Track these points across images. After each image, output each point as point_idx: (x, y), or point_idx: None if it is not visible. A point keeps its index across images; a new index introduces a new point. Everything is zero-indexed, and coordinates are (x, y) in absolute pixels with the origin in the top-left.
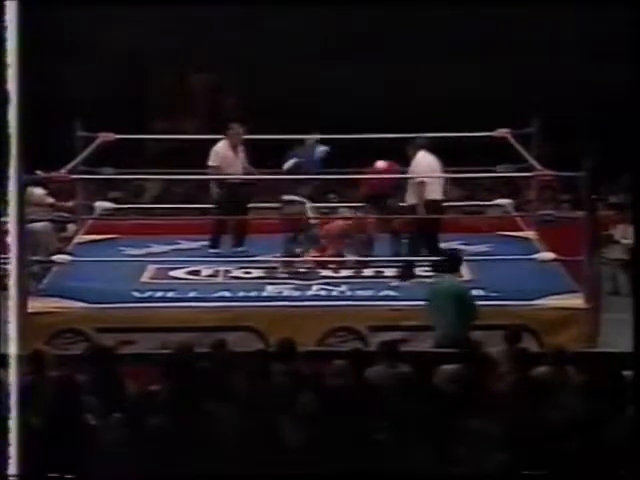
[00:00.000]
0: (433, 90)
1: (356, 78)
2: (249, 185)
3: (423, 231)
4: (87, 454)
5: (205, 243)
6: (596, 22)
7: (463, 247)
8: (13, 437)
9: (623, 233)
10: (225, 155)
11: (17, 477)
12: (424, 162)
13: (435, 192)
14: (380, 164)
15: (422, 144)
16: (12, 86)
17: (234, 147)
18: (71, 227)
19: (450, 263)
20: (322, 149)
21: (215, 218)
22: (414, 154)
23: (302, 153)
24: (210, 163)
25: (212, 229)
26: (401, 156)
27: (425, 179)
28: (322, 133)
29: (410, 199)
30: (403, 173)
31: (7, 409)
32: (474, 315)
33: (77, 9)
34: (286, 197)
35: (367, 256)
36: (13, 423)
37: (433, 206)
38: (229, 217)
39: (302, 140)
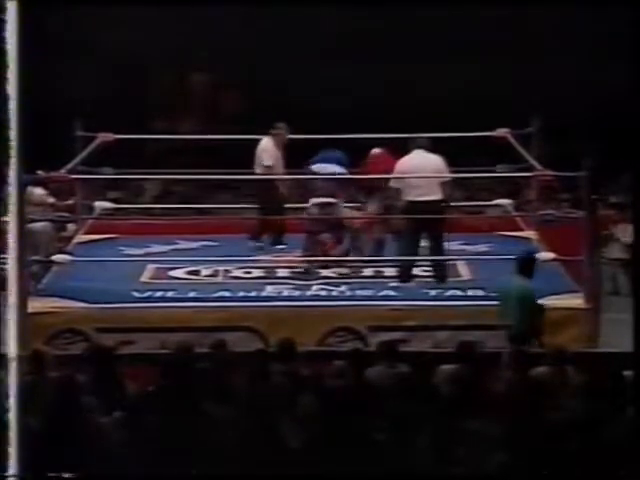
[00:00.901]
0: (433, 90)
1: (356, 78)
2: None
3: (410, 232)
4: (87, 454)
5: (205, 243)
6: (596, 22)
7: (463, 247)
8: (13, 437)
9: (623, 233)
10: (274, 154)
11: (17, 477)
12: (407, 162)
13: (420, 193)
14: (376, 151)
15: (420, 144)
16: (12, 86)
17: (278, 146)
18: (71, 227)
19: (523, 265)
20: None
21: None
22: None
23: (329, 156)
24: (265, 163)
25: (261, 227)
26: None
27: (409, 180)
28: (322, 133)
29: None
30: None
31: (7, 409)
32: (542, 315)
33: (77, 9)
34: (319, 200)
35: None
36: (13, 423)
37: (417, 207)
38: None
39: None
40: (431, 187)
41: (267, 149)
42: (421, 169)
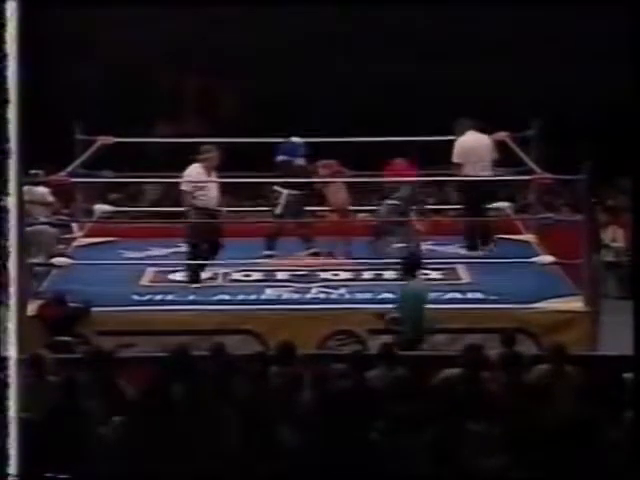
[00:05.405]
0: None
1: (355, 78)
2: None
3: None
4: (86, 456)
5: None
6: (596, 23)
7: (461, 250)
8: (13, 437)
9: (612, 237)
10: (197, 178)
11: (17, 477)
12: (468, 140)
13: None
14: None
15: (471, 125)
16: (12, 86)
17: (209, 170)
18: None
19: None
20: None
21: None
22: (461, 134)
23: (287, 148)
24: (183, 188)
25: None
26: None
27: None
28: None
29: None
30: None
31: (7, 410)
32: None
33: (76, 9)
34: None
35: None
36: (13, 423)
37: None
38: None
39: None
40: (485, 164)
41: (190, 175)
42: (477, 146)
